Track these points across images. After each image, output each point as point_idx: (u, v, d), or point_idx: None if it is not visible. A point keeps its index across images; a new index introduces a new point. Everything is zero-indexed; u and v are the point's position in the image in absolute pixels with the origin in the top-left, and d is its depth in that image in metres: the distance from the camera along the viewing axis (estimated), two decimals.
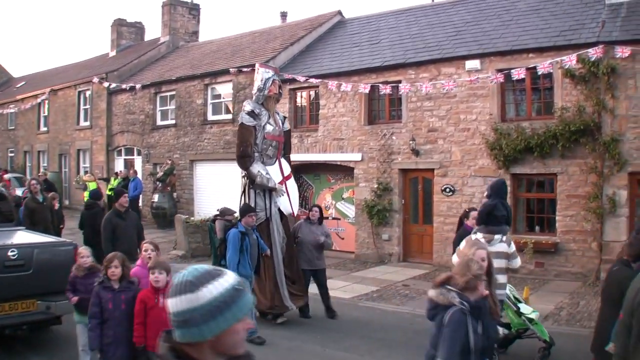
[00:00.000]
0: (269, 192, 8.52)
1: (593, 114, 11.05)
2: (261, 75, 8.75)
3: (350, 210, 14.96)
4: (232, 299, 1.74)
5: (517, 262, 6.27)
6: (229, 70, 17.49)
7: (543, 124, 11.55)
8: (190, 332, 1.72)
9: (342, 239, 14.90)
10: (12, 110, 28.28)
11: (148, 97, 20.72)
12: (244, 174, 8.94)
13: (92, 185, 17.57)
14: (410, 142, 13.31)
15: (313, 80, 14.88)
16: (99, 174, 21.20)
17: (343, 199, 15.20)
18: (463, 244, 5.40)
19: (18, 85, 32.12)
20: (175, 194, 18.84)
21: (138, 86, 20.58)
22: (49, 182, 15.63)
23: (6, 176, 21.38)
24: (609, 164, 10.83)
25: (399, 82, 13.40)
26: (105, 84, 21.95)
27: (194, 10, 25.45)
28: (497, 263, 5.21)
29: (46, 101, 26.20)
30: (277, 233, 8.50)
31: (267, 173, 8.49)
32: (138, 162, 21.22)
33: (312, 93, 15.69)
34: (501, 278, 5.82)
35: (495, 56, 12.34)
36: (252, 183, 8.50)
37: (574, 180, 11.34)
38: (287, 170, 9.08)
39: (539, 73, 11.38)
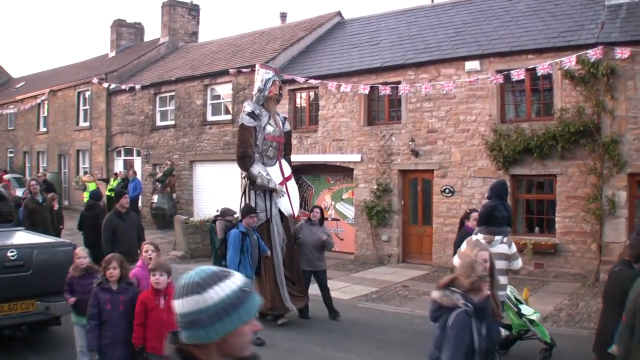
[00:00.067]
0: (270, 193, 8.51)
1: (592, 115, 11.06)
2: (261, 76, 8.73)
3: (349, 211, 14.95)
4: (239, 300, 1.73)
5: (518, 263, 6.25)
6: (229, 71, 17.48)
7: (542, 125, 11.56)
8: (196, 334, 1.72)
9: (342, 239, 14.88)
10: (11, 111, 28.20)
11: (147, 98, 20.70)
12: (244, 175, 8.92)
13: (91, 186, 17.55)
14: (410, 143, 13.31)
15: (313, 81, 14.87)
16: (99, 175, 21.15)
17: (342, 199, 15.20)
18: (464, 245, 5.42)
19: (17, 86, 32.07)
20: (174, 195, 18.82)
21: (137, 87, 20.56)
22: (49, 183, 15.60)
23: (6, 177, 21.30)
24: (608, 165, 10.84)
25: (399, 83, 13.39)
26: (105, 85, 21.93)
27: (194, 10, 25.44)
28: (498, 264, 5.20)
29: (46, 102, 26.16)
30: (277, 234, 8.49)
31: (268, 174, 8.47)
32: (137, 162, 21.19)
33: (312, 94, 15.68)
34: (502, 279, 5.82)
35: (495, 57, 12.35)
36: (252, 184, 8.47)
37: (574, 181, 11.35)
38: (288, 171, 9.06)
39: (539, 74, 11.39)
